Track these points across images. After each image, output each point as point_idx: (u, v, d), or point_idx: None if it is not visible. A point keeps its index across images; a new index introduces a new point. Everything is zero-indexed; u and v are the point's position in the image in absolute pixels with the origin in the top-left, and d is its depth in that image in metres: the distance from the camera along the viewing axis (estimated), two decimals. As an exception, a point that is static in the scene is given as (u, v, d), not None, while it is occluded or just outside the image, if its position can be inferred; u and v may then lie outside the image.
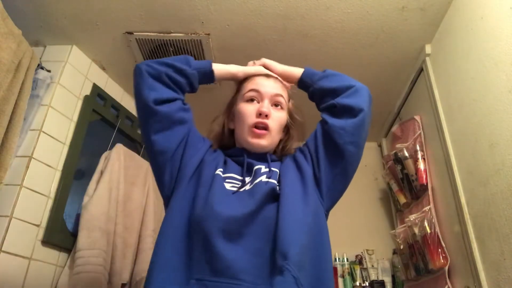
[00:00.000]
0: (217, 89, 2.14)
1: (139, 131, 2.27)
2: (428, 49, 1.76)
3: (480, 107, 1.33)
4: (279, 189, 0.87)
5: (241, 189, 0.88)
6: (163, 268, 0.78)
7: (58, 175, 1.64)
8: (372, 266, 2.24)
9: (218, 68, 1.09)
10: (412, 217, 1.77)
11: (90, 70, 1.90)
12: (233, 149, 1.01)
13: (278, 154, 1.02)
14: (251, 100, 0.98)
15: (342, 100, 0.94)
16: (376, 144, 2.70)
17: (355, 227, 2.41)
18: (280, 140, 1.02)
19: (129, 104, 2.18)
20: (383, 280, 2.16)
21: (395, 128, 2.14)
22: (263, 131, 0.94)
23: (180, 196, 0.88)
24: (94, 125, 1.92)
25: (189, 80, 1.03)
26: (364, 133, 0.95)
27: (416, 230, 1.72)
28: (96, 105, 1.91)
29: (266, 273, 0.75)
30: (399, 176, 1.96)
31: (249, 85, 1.01)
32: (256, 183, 0.88)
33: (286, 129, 1.04)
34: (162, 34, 1.74)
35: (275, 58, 1.87)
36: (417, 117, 1.89)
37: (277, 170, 0.93)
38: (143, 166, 2.04)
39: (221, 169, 0.92)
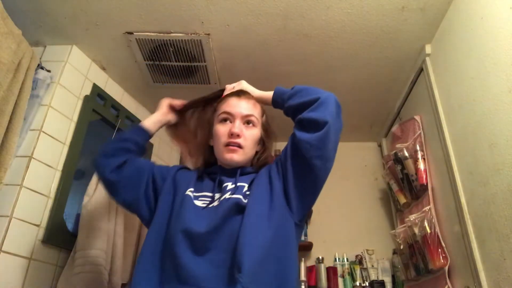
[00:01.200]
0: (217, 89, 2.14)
1: (139, 131, 2.27)
2: (428, 49, 1.76)
3: (480, 107, 1.33)
4: (246, 201, 0.93)
5: (210, 205, 0.97)
6: (141, 278, 0.92)
7: (58, 175, 1.64)
8: (372, 266, 2.24)
9: (147, 122, 1.25)
10: (412, 217, 1.77)
11: (90, 70, 1.90)
12: (213, 167, 1.12)
13: (254, 165, 1.09)
14: (224, 120, 1.07)
15: (307, 114, 0.97)
16: (376, 144, 2.70)
17: (355, 227, 2.41)
18: (256, 152, 1.11)
19: (129, 104, 2.18)
20: (383, 280, 2.16)
21: (395, 128, 2.14)
22: (236, 148, 1.03)
23: (158, 215, 1.02)
24: (94, 125, 1.92)
25: (132, 143, 1.17)
26: (331, 145, 0.96)
27: (416, 230, 1.72)
28: (96, 105, 1.91)
29: (225, 284, 0.83)
30: (399, 176, 1.96)
31: (223, 107, 1.09)
32: (221, 200, 0.97)
33: (262, 142, 1.12)
34: (162, 34, 1.74)
35: (275, 58, 1.89)
36: (417, 117, 1.89)
37: (245, 184, 1.00)
38: (143, 166, 2.04)
39: (192, 189, 1.04)
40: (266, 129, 1.13)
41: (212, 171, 1.10)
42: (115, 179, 1.09)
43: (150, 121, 1.24)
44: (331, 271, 2.22)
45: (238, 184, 1.00)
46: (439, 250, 1.57)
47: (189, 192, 1.02)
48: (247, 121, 1.06)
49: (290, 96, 1.05)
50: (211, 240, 0.89)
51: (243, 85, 1.19)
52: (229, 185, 1.01)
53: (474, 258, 1.34)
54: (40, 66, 1.63)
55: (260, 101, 1.14)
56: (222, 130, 1.06)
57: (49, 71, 1.66)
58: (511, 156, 1.15)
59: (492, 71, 1.26)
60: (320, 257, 2.27)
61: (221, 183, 1.03)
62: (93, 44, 1.82)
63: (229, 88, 1.20)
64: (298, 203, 0.97)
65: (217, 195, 1.00)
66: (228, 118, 1.06)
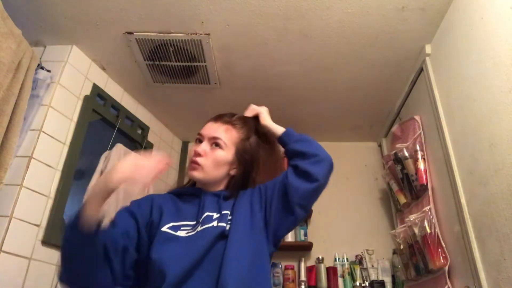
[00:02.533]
0: (217, 89, 2.15)
1: (139, 131, 2.27)
2: (428, 49, 1.76)
3: (480, 107, 1.33)
4: (229, 228, 0.99)
5: (193, 232, 0.99)
6: None
7: (58, 175, 1.64)
8: (372, 266, 2.24)
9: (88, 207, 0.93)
10: (412, 217, 1.77)
11: (90, 70, 1.91)
12: (194, 188, 1.15)
13: (232, 190, 1.12)
14: (198, 141, 1.13)
15: (304, 164, 1.04)
16: (376, 144, 2.70)
17: (355, 227, 2.41)
18: (232, 176, 1.13)
19: (129, 104, 2.18)
20: (383, 280, 2.16)
21: (395, 128, 2.14)
22: (195, 165, 1.08)
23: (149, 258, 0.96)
24: (94, 125, 1.92)
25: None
26: (314, 200, 1.06)
27: (416, 230, 1.72)
28: (96, 105, 1.91)
29: None
30: (399, 176, 1.96)
31: (200, 129, 1.16)
32: (204, 229, 0.98)
33: (239, 167, 1.13)
34: (162, 34, 1.74)
35: (275, 58, 1.89)
36: (417, 117, 1.89)
37: (228, 212, 1.04)
38: (143, 166, 2.04)
39: (172, 223, 1.00)
40: (241, 155, 1.12)
41: (195, 192, 1.12)
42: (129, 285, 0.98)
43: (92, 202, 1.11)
44: (331, 271, 2.22)
45: (223, 212, 1.04)
46: (439, 250, 1.57)
47: (167, 228, 0.98)
48: (213, 142, 1.11)
49: (297, 140, 1.13)
50: (196, 268, 0.92)
51: (257, 108, 1.24)
52: (214, 215, 1.03)
53: (474, 258, 1.34)
54: (40, 66, 1.63)
55: (266, 128, 1.20)
56: (192, 149, 1.14)
57: (49, 71, 1.66)
58: (511, 156, 1.15)
59: (492, 71, 1.26)
60: (320, 257, 2.27)
61: (203, 209, 1.04)
62: (93, 44, 1.82)
63: (250, 109, 1.25)
64: (273, 235, 1.04)
65: (200, 223, 1.00)
66: (200, 139, 1.13)
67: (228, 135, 1.12)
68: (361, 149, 2.68)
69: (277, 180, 1.08)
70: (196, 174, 1.09)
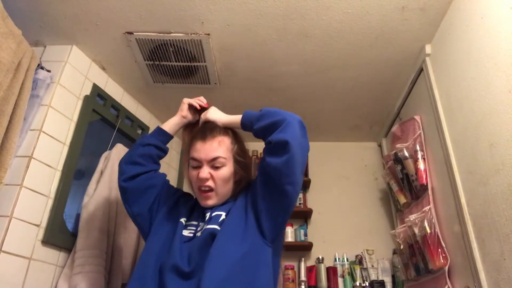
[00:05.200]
0: (217, 89, 2.15)
1: (139, 131, 2.27)
2: (428, 49, 1.76)
3: (480, 107, 1.33)
4: (218, 231, 1.00)
5: (194, 236, 1.05)
6: None
7: (58, 175, 1.64)
8: (372, 266, 2.24)
9: (167, 125, 1.29)
10: (412, 217, 1.77)
11: (90, 70, 1.91)
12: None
13: (234, 194, 1.14)
14: (194, 166, 1.12)
15: (274, 136, 0.98)
16: (376, 144, 2.70)
17: (355, 227, 2.41)
18: (237, 182, 1.14)
19: (129, 104, 2.18)
20: (383, 280, 2.16)
21: (395, 128, 2.14)
22: (208, 193, 1.09)
23: (153, 239, 1.11)
24: (94, 125, 1.92)
25: (154, 147, 1.25)
26: (298, 168, 0.98)
27: (416, 230, 1.72)
28: (96, 105, 1.91)
29: None
30: (399, 176, 1.96)
31: (191, 152, 1.14)
32: (202, 231, 1.04)
33: (240, 172, 1.14)
34: (162, 34, 1.74)
35: (275, 58, 1.89)
36: (417, 117, 1.89)
37: (222, 213, 1.06)
38: (143, 166, 2.04)
39: (185, 218, 1.12)
40: (238, 160, 1.14)
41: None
42: (126, 187, 1.20)
43: (170, 124, 1.30)
44: (331, 271, 2.22)
45: (214, 213, 1.06)
46: (439, 250, 1.57)
47: (182, 220, 1.11)
48: (214, 164, 1.09)
49: (257, 118, 1.07)
50: (193, 267, 0.96)
51: (208, 116, 1.22)
52: (207, 215, 1.08)
53: (474, 258, 1.34)
54: (40, 66, 1.63)
55: (229, 126, 1.17)
56: (193, 175, 1.12)
57: (49, 71, 1.66)
58: (511, 156, 1.15)
59: (492, 71, 1.26)
60: (320, 257, 2.27)
61: (203, 213, 1.10)
62: (93, 44, 1.82)
63: (203, 119, 1.24)
64: (269, 225, 1.00)
65: (200, 225, 1.08)
66: (197, 164, 1.11)
67: (223, 149, 1.11)
68: (361, 149, 2.68)
69: (258, 169, 1.06)
70: (212, 202, 1.10)
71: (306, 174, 2.45)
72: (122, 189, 1.21)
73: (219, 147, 1.10)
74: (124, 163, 1.24)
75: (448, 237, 1.57)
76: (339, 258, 2.28)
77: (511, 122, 1.16)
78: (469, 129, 1.41)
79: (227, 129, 1.17)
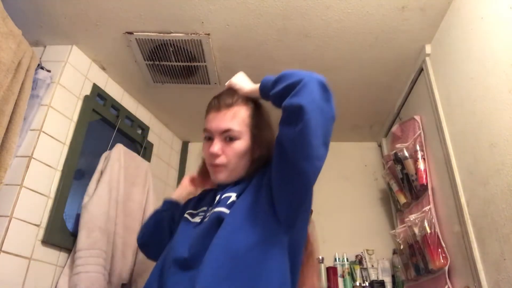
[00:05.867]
0: (217, 89, 2.14)
1: (139, 131, 2.27)
2: (428, 49, 1.76)
3: (480, 107, 1.33)
4: (228, 213, 0.89)
5: (204, 220, 0.96)
6: None
7: (58, 175, 1.64)
8: (372, 266, 2.24)
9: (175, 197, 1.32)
10: (412, 217, 1.77)
11: (90, 70, 1.90)
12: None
13: (250, 173, 0.99)
14: (207, 138, 1.01)
15: (287, 101, 0.81)
16: (376, 144, 2.70)
17: (355, 227, 2.41)
18: (253, 160, 0.99)
19: (129, 104, 2.18)
20: (383, 280, 2.16)
21: (395, 128, 2.14)
22: (219, 167, 0.98)
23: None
24: (94, 125, 1.92)
25: (166, 224, 1.27)
26: (316, 139, 0.79)
27: (416, 230, 1.72)
28: (96, 105, 1.91)
29: None
30: (399, 176, 1.96)
31: (205, 123, 1.03)
32: (209, 214, 0.95)
33: (257, 150, 0.99)
34: (162, 34, 1.74)
35: (275, 58, 1.88)
36: (417, 117, 1.89)
37: (231, 194, 0.94)
38: (143, 166, 2.04)
39: (191, 210, 1.06)
40: (257, 135, 0.99)
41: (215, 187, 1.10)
42: (145, 243, 1.25)
43: (175, 195, 1.29)
44: (331, 271, 2.22)
45: (224, 195, 0.95)
46: (439, 250, 1.57)
47: (187, 214, 1.05)
48: (226, 136, 0.97)
49: (273, 84, 0.90)
50: (194, 260, 0.85)
51: (233, 81, 1.07)
52: (217, 197, 0.97)
53: (474, 258, 1.34)
54: (40, 66, 1.63)
55: (252, 96, 1.02)
56: (205, 149, 1.01)
57: (49, 71, 1.66)
58: (511, 156, 1.15)
59: (492, 71, 1.26)
60: (320, 257, 2.27)
61: (214, 196, 1.00)
62: (93, 44, 1.82)
63: (227, 85, 1.09)
64: (284, 209, 0.86)
65: (210, 209, 0.98)
66: (209, 136, 1.00)
67: (238, 120, 0.98)
68: (361, 149, 2.67)
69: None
70: (223, 177, 0.98)
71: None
72: (141, 247, 1.29)
73: (233, 119, 0.97)
74: (140, 237, 1.28)
75: (448, 237, 1.57)
76: (339, 258, 2.28)
77: (511, 122, 1.16)
78: (469, 129, 1.41)
79: (249, 100, 1.02)
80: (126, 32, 1.74)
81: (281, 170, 0.86)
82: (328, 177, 2.56)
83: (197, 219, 0.98)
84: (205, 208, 1.01)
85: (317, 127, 0.78)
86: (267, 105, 1.02)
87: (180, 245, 0.90)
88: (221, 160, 0.96)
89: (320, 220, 2.45)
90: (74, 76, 1.80)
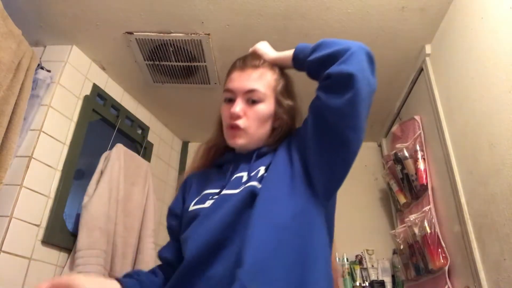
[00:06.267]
0: (217, 89, 2.14)
1: (139, 131, 2.27)
2: (428, 49, 1.76)
3: (480, 107, 1.33)
4: (260, 189, 0.79)
5: (215, 200, 0.84)
6: None
7: (58, 175, 1.64)
8: (372, 266, 2.24)
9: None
10: (412, 217, 1.77)
11: (90, 70, 1.91)
12: (226, 154, 0.99)
13: (272, 144, 0.93)
14: (228, 100, 0.93)
15: (334, 68, 0.77)
16: (376, 144, 2.70)
17: (355, 227, 2.41)
18: (274, 129, 0.93)
19: (129, 104, 2.18)
20: (383, 280, 2.16)
21: (395, 128, 2.14)
22: (239, 131, 0.89)
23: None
24: (94, 125, 1.92)
25: None
26: (364, 110, 0.78)
27: (416, 230, 1.72)
28: (96, 105, 1.91)
29: (229, 283, 0.69)
30: (399, 176, 1.96)
31: (226, 83, 0.95)
32: (228, 194, 0.83)
33: (281, 116, 0.94)
34: (162, 34, 1.74)
35: (275, 58, 1.88)
36: (417, 117, 1.89)
37: (260, 168, 0.85)
38: (143, 166, 2.04)
39: (197, 198, 0.90)
40: (282, 102, 0.94)
41: (226, 160, 0.97)
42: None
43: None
44: (331, 271, 2.22)
45: (254, 169, 0.86)
46: (439, 250, 1.57)
47: (194, 205, 0.88)
48: (251, 97, 0.90)
49: (313, 49, 0.87)
50: (230, 239, 0.75)
51: (257, 47, 1.02)
52: (244, 175, 0.87)
53: (474, 258, 1.34)
54: (40, 66, 1.63)
55: (278, 63, 0.97)
56: (225, 110, 0.92)
57: (49, 71, 1.66)
58: (511, 156, 1.15)
59: (492, 71, 1.26)
60: (320, 257, 2.27)
61: (233, 172, 0.90)
62: (93, 44, 1.82)
63: (251, 50, 1.04)
64: (325, 181, 0.82)
65: (224, 189, 0.86)
66: (231, 97, 0.92)
67: (264, 82, 0.92)
68: (361, 149, 2.61)
69: (308, 115, 0.88)
70: (241, 141, 0.89)
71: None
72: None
73: (259, 80, 0.91)
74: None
75: (448, 237, 1.57)
76: (339, 258, 2.28)
77: (511, 122, 1.16)
78: (469, 129, 1.41)
79: (275, 65, 0.97)
80: (126, 32, 1.74)
81: (321, 141, 0.80)
82: (328, 177, 2.56)
83: (208, 203, 0.85)
84: (216, 190, 0.88)
85: (365, 98, 0.78)
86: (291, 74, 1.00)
87: (206, 229, 0.78)
88: (242, 122, 0.88)
89: (320, 220, 2.45)
90: (74, 76, 1.80)
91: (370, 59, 0.82)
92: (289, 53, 0.94)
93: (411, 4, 1.56)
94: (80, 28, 1.72)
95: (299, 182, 0.81)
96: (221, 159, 0.99)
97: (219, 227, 0.76)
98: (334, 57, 0.80)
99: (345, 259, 2.27)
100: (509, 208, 1.16)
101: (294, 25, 1.68)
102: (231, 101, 0.92)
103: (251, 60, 0.96)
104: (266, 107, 0.91)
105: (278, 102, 0.93)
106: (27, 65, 1.52)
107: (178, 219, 0.93)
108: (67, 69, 1.75)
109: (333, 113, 0.78)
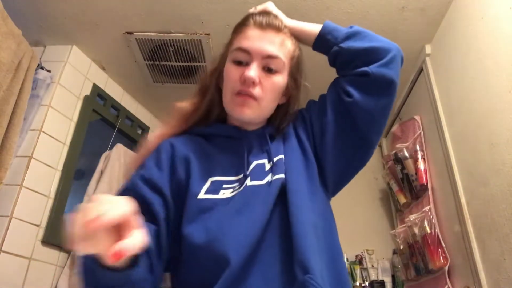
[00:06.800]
0: (217, 89, 2.15)
1: (139, 131, 2.27)
2: (428, 49, 1.76)
3: (480, 107, 1.33)
4: (285, 181, 0.69)
5: (241, 190, 0.69)
6: None
7: (58, 175, 1.64)
8: (372, 266, 2.24)
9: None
10: (412, 217, 1.77)
11: (90, 70, 1.91)
12: (223, 127, 0.81)
13: (277, 124, 0.82)
14: (238, 62, 0.77)
15: (379, 69, 0.72)
16: (376, 144, 2.70)
17: (355, 227, 2.40)
18: (280, 107, 0.82)
19: (129, 104, 2.18)
20: (383, 280, 2.16)
21: (395, 128, 2.14)
22: (250, 101, 0.74)
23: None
24: (94, 125, 1.92)
25: None
26: (387, 119, 0.77)
27: (416, 230, 1.72)
28: (96, 105, 1.91)
29: None
30: (399, 176, 1.96)
31: (239, 40, 0.78)
32: (258, 185, 0.70)
33: (289, 93, 0.82)
34: (162, 34, 1.74)
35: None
36: (417, 117, 1.89)
37: (282, 156, 0.74)
38: (143, 166, 2.04)
39: (205, 185, 0.71)
40: (295, 76, 0.82)
41: (226, 132, 0.80)
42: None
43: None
44: (331, 271, 2.22)
45: (276, 158, 0.74)
46: (439, 250, 1.57)
47: (204, 194, 0.69)
48: (269, 65, 0.76)
49: (347, 35, 0.78)
50: (269, 237, 0.65)
51: (269, 7, 0.85)
52: (265, 163, 0.75)
53: (474, 258, 1.34)
54: (40, 66, 1.63)
55: (296, 34, 0.83)
56: (233, 72, 0.76)
57: (49, 71, 1.66)
58: (511, 156, 1.15)
59: (492, 71, 1.26)
60: (320, 257, 2.27)
61: (249, 157, 0.76)
62: (93, 44, 1.82)
63: (251, 10, 0.87)
64: (337, 177, 0.78)
65: (247, 179, 0.71)
66: (243, 58, 0.76)
67: (285, 51, 0.78)
68: (361, 149, 2.67)
69: (323, 102, 0.80)
70: (249, 113, 0.75)
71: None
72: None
73: (281, 46, 0.77)
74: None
75: (448, 237, 1.57)
76: (339, 258, 2.28)
77: (511, 122, 1.16)
78: (469, 129, 1.41)
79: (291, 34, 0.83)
80: (126, 32, 1.74)
81: (343, 138, 0.76)
82: (328, 177, 2.56)
83: (224, 194, 0.69)
84: (233, 178, 0.72)
85: (392, 105, 0.76)
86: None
87: (245, 227, 0.64)
88: (257, 91, 0.74)
89: (320, 220, 2.46)
90: (74, 76, 1.80)
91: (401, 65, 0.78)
92: (312, 27, 0.82)
93: (411, 4, 1.56)
94: (80, 28, 1.72)
95: (315, 177, 0.74)
96: (210, 129, 0.81)
97: (259, 226, 0.64)
98: (375, 55, 0.74)
99: (345, 259, 2.27)
100: (509, 208, 1.16)
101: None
102: (241, 64, 0.76)
103: (272, 19, 0.79)
104: (282, 80, 0.78)
105: (292, 77, 0.81)
106: (27, 65, 1.52)
107: (162, 198, 0.68)
108: (67, 69, 1.75)
109: (364, 114, 0.73)
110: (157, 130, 0.83)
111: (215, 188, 0.70)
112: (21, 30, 1.51)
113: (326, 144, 0.76)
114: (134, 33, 1.74)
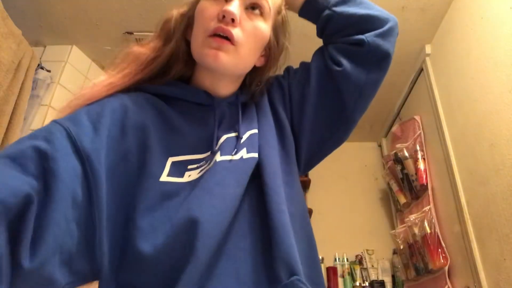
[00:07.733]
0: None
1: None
2: (428, 49, 1.76)
3: (480, 107, 1.33)
4: (260, 161, 0.58)
5: (212, 164, 0.56)
6: None
7: (58, 175, 1.64)
8: (372, 266, 2.24)
9: None
10: (412, 217, 1.77)
11: (90, 70, 1.91)
12: (191, 89, 0.65)
13: (251, 91, 0.70)
14: None
15: (375, 39, 0.64)
16: (376, 144, 2.70)
17: (355, 227, 2.41)
18: (256, 69, 0.69)
19: (129, 104, 2.18)
20: (383, 280, 2.16)
21: (395, 128, 2.14)
22: (225, 43, 0.59)
23: None
24: (94, 125, 1.92)
25: None
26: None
27: (416, 230, 1.72)
28: (96, 105, 1.91)
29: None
30: (399, 176, 1.96)
31: None
32: (227, 161, 0.57)
33: (269, 53, 0.69)
34: (162, 34, 1.74)
35: (275, 58, 1.88)
36: (417, 117, 1.89)
37: (256, 131, 0.63)
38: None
39: (171, 161, 0.56)
40: (278, 34, 0.70)
41: (197, 95, 0.64)
42: None
43: None
44: (331, 271, 2.22)
45: (250, 132, 0.62)
46: (439, 250, 1.57)
47: (167, 177, 0.54)
48: (252, 5, 0.62)
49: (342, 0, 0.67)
50: (239, 221, 0.54)
51: None
52: (234, 136, 0.62)
53: (474, 258, 1.34)
54: (40, 66, 1.63)
55: None
56: (210, 9, 0.61)
57: (49, 71, 1.66)
58: (511, 156, 1.15)
59: (492, 71, 1.26)
60: (320, 257, 2.27)
61: (219, 131, 0.63)
62: (93, 44, 1.82)
63: None
64: (309, 156, 0.69)
65: (215, 155, 0.58)
66: None
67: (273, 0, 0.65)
68: (361, 149, 2.67)
69: (306, 71, 0.71)
70: (226, 60, 0.59)
71: (306, 174, 2.45)
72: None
73: None
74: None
75: (448, 237, 1.57)
76: (339, 258, 2.28)
77: (511, 122, 1.16)
78: (469, 129, 1.41)
79: None
80: (126, 32, 1.74)
81: (324, 112, 0.67)
82: (328, 177, 2.56)
83: (193, 176, 0.56)
84: (200, 156, 0.58)
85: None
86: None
87: (217, 210, 0.51)
88: (236, 32, 0.59)
89: (320, 220, 2.46)
90: (74, 76, 1.80)
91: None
92: None
93: (411, 4, 1.56)
94: (80, 28, 1.72)
95: (290, 153, 0.64)
96: (174, 90, 0.64)
97: (232, 211, 0.52)
98: (371, 23, 0.65)
99: (345, 259, 2.27)
100: (509, 208, 1.16)
101: (294, 25, 1.68)
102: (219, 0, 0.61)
103: None
104: (265, 29, 0.64)
105: (275, 35, 0.69)
106: (27, 65, 1.52)
107: (83, 168, 0.47)
108: (67, 69, 1.75)
109: (352, 87, 0.65)
110: (103, 76, 0.66)
111: (179, 170, 0.56)
112: (21, 30, 1.51)
113: (305, 115, 0.67)
114: (134, 33, 1.74)
